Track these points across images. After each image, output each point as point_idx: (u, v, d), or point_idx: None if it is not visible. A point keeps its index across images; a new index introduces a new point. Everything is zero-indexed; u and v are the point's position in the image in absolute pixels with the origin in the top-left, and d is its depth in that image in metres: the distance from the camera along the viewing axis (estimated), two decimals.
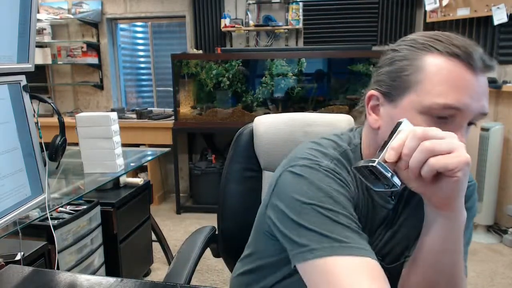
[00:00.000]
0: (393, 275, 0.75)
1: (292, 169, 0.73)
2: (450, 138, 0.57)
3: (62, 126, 1.43)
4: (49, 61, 4.05)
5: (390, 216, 0.78)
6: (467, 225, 0.73)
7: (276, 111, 3.52)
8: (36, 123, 1.03)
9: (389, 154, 0.60)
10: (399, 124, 0.63)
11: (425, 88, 0.64)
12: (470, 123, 0.67)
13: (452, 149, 0.56)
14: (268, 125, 1.14)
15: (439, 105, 0.63)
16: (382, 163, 0.59)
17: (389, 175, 0.59)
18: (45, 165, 1.08)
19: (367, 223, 0.76)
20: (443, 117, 0.64)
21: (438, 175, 0.57)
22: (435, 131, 0.58)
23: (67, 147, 1.52)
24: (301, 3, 3.56)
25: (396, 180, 0.60)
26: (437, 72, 0.64)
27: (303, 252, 0.65)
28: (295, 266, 0.67)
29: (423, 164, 0.57)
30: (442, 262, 0.66)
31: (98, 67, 4.10)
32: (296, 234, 0.66)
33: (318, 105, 3.49)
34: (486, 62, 0.65)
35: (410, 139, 0.58)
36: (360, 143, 0.79)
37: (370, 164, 0.59)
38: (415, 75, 0.65)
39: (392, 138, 0.61)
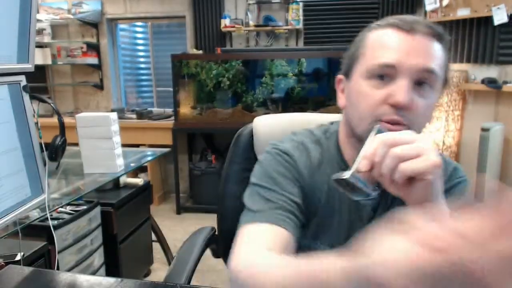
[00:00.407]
0: None
1: (260, 156, 0.84)
2: (419, 142, 0.57)
3: (62, 126, 1.43)
4: (49, 61, 4.05)
5: (379, 208, 0.80)
6: None
7: (276, 111, 3.52)
8: (36, 123, 1.03)
9: (362, 164, 0.60)
10: (373, 131, 0.64)
11: (366, 56, 0.72)
12: (421, 83, 0.68)
13: (420, 153, 0.56)
14: (268, 126, 1.13)
15: (376, 65, 0.69)
16: (356, 173, 0.60)
17: (361, 186, 0.60)
18: (45, 165, 1.08)
19: (329, 207, 0.79)
20: (384, 77, 0.69)
21: (411, 179, 0.58)
22: (403, 136, 0.58)
23: (67, 147, 1.52)
24: (301, 3, 3.56)
25: (369, 190, 0.61)
26: (375, 41, 0.72)
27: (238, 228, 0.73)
28: None
29: (394, 170, 0.57)
30: None
31: (98, 67, 4.10)
32: (242, 214, 0.76)
33: (318, 105, 3.49)
34: (429, 26, 0.69)
35: (380, 147, 0.59)
36: (338, 131, 0.83)
37: (343, 176, 0.60)
38: (360, 50, 0.74)
39: (365, 147, 0.62)
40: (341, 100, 0.80)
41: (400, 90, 0.66)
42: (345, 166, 0.78)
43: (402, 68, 0.67)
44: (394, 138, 0.58)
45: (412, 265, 0.33)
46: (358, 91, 0.72)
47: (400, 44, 0.68)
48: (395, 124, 0.67)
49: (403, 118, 0.67)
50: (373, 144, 0.60)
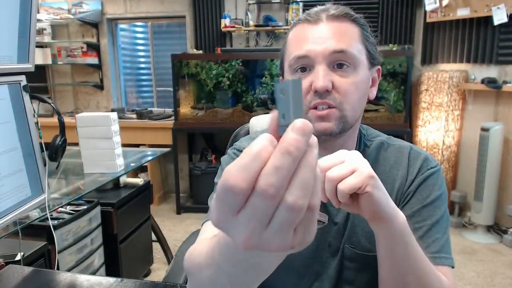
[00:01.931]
0: (373, 265, 0.75)
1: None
2: (349, 159, 0.58)
3: (62, 126, 1.43)
4: (49, 61, 4.05)
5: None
6: (439, 214, 0.76)
7: None
8: (36, 123, 1.03)
9: None
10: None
11: (286, 54, 0.78)
12: (341, 65, 0.73)
13: (353, 169, 0.57)
14: (264, 125, 1.14)
15: (292, 60, 0.75)
16: None
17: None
18: (45, 165, 1.08)
19: None
20: (306, 69, 0.74)
21: (355, 195, 0.59)
22: (334, 157, 0.59)
23: (67, 147, 1.52)
24: (301, 3, 3.56)
25: (322, 218, 0.62)
26: (291, 38, 0.78)
27: None
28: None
29: (336, 192, 0.58)
30: (400, 269, 0.66)
31: (98, 67, 4.10)
32: None
33: None
34: (334, 10, 0.75)
35: None
36: None
37: None
38: (284, 50, 0.80)
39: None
40: None
41: (316, 76, 0.71)
42: None
43: (314, 56, 0.72)
44: (326, 161, 0.59)
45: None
46: None
47: (308, 35, 0.74)
48: (325, 109, 0.72)
49: (330, 100, 0.72)
50: None
